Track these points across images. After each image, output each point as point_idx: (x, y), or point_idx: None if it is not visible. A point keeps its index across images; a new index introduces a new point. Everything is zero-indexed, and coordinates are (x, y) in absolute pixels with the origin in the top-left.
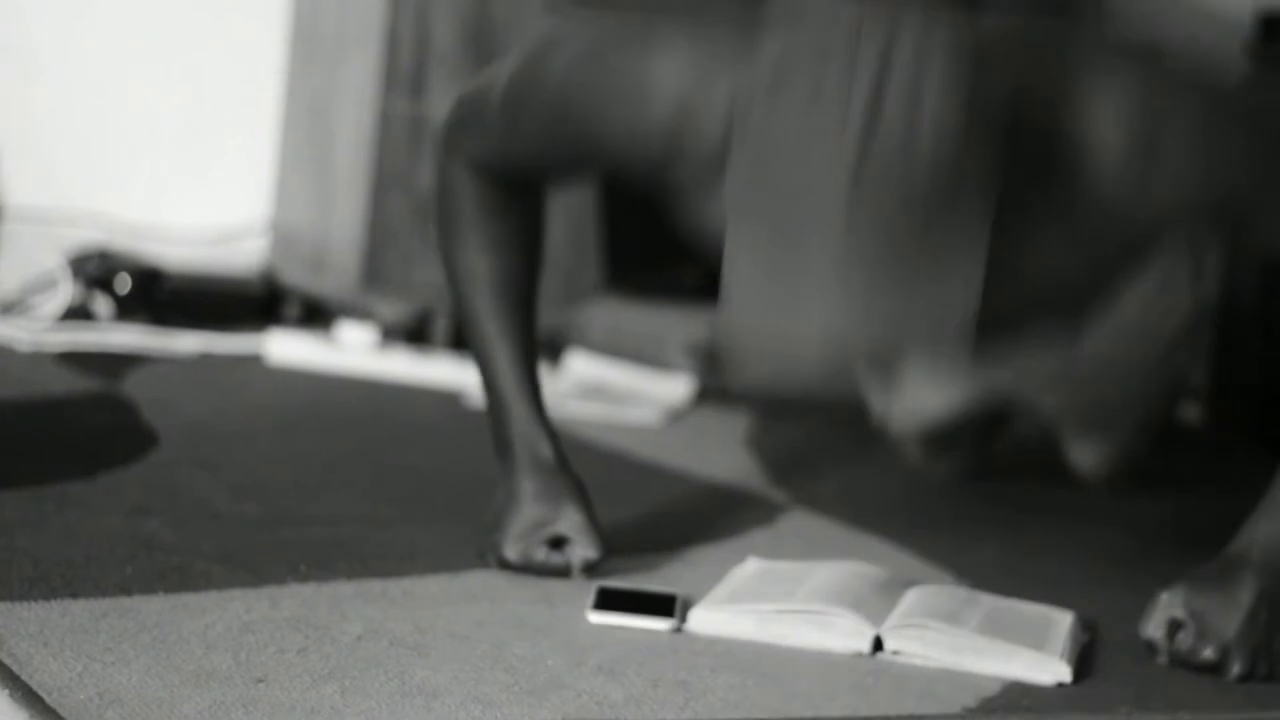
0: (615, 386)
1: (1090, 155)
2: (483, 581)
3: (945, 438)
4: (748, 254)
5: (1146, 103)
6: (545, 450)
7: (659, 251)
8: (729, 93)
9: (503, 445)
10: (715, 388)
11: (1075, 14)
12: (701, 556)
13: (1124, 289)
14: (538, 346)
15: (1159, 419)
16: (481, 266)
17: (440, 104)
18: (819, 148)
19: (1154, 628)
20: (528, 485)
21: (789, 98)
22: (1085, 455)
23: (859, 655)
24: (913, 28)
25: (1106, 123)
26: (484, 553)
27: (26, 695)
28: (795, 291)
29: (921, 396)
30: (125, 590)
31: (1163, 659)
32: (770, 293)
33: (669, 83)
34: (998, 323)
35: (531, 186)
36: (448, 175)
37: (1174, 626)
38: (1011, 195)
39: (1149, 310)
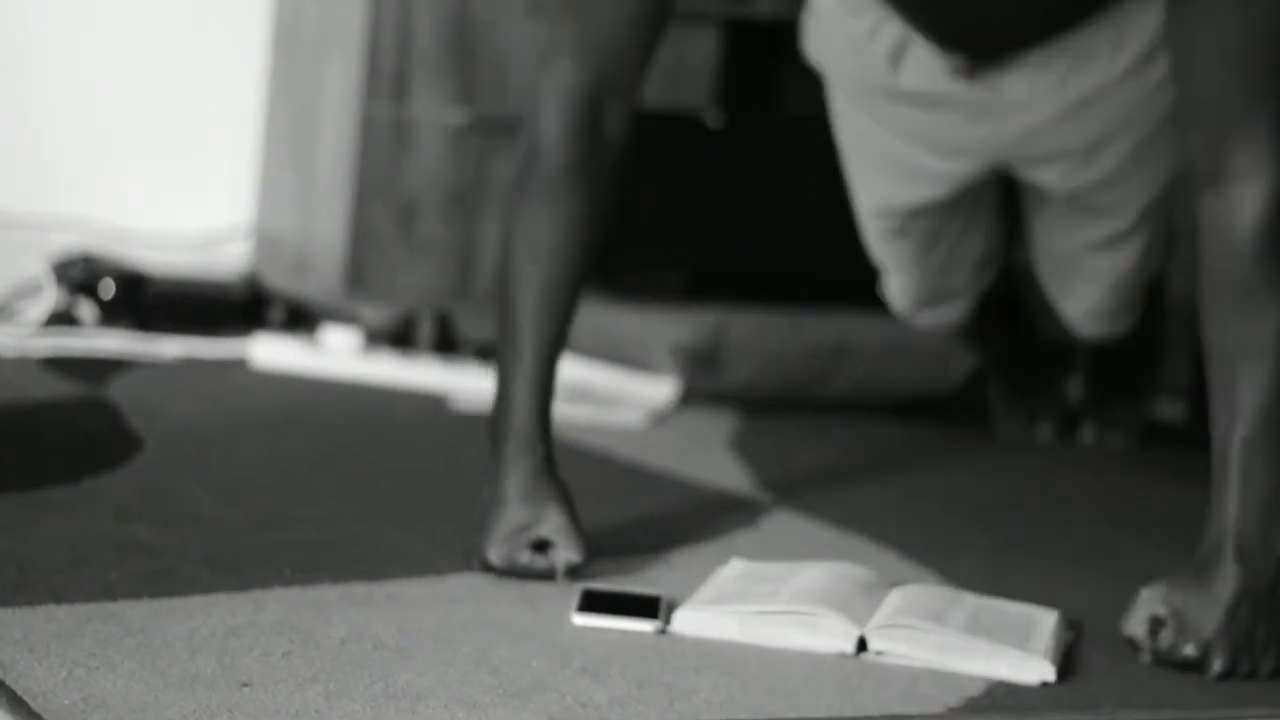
0: (600, 388)
1: None
2: (467, 584)
3: (941, 257)
4: None
5: None
6: (537, 453)
7: (643, 253)
8: None
9: (497, 436)
10: (700, 389)
11: None
12: (686, 558)
13: (1129, 15)
14: (563, 353)
15: (1155, 246)
16: (542, 247)
17: (423, 106)
18: None
19: (1135, 626)
20: (513, 487)
21: None
22: (1082, 309)
23: (843, 656)
24: None
25: None
26: (468, 556)
27: (11, 700)
28: None
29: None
30: (110, 595)
31: (1145, 657)
32: None
33: None
34: (1012, 11)
35: (616, 128)
36: (537, 124)
37: (1156, 624)
38: None
39: (1154, 48)
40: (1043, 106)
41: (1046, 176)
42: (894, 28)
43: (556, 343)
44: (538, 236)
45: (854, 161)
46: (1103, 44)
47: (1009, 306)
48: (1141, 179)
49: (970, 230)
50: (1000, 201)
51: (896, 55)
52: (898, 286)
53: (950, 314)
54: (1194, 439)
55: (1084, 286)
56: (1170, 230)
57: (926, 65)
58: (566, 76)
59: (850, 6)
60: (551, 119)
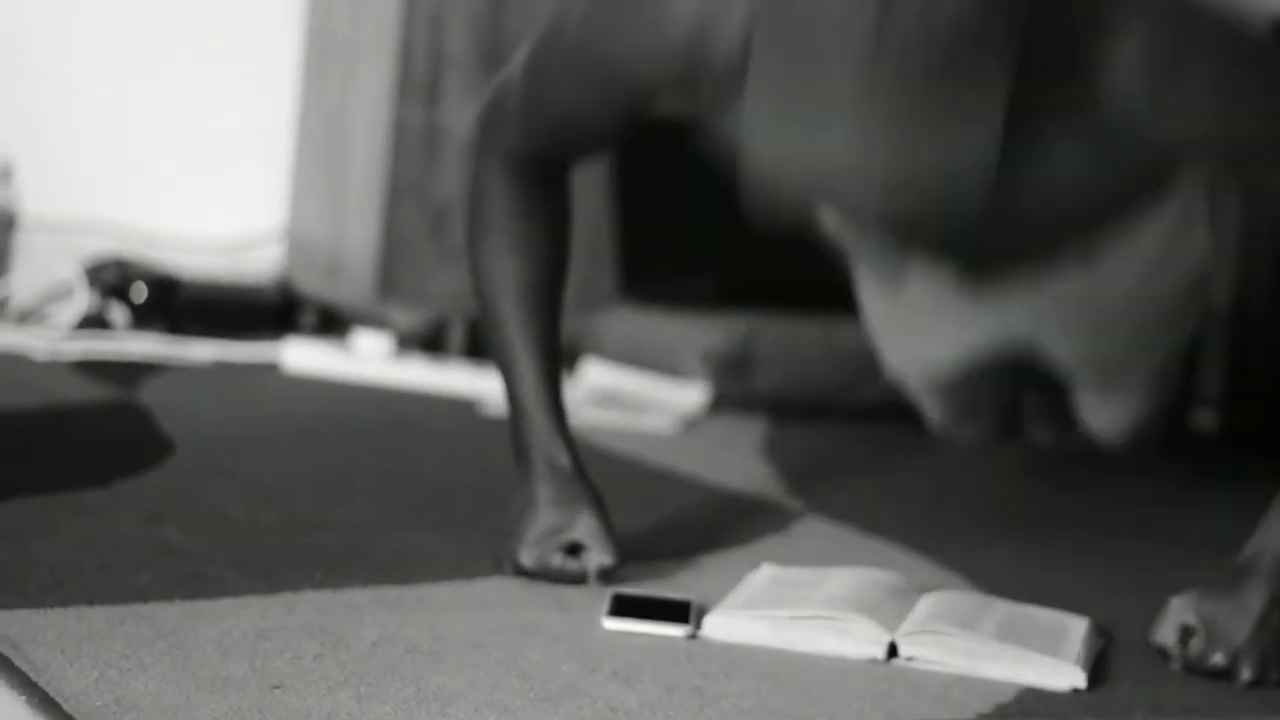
0: (630, 394)
1: (1111, 68)
2: (498, 588)
3: (964, 399)
4: (770, 90)
5: (1174, 30)
6: (563, 458)
7: (674, 259)
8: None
9: (521, 451)
10: (730, 396)
11: None
12: (716, 563)
13: (1139, 223)
14: (561, 352)
15: (1174, 380)
16: (509, 271)
17: (455, 113)
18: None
19: (1166, 634)
20: (544, 492)
21: None
22: (1102, 417)
23: (874, 661)
24: None
25: (1131, 39)
26: (500, 559)
27: (43, 702)
28: (816, 125)
29: (936, 342)
30: (141, 597)
31: (1175, 665)
32: (791, 127)
33: (683, 7)
34: (1014, 235)
35: (561, 175)
36: (479, 175)
37: (1186, 633)
38: (1029, 87)
39: (1165, 248)
40: (1047, 301)
41: (1058, 351)
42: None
43: (551, 353)
44: (505, 264)
45: (874, 327)
46: (1109, 253)
47: None
48: (1154, 351)
49: (992, 374)
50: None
51: (899, 268)
52: (927, 409)
53: (980, 430)
54: (1226, 447)
55: (1105, 412)
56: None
57: (927, 282)
58: (510, 142)
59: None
60: (494, 177)
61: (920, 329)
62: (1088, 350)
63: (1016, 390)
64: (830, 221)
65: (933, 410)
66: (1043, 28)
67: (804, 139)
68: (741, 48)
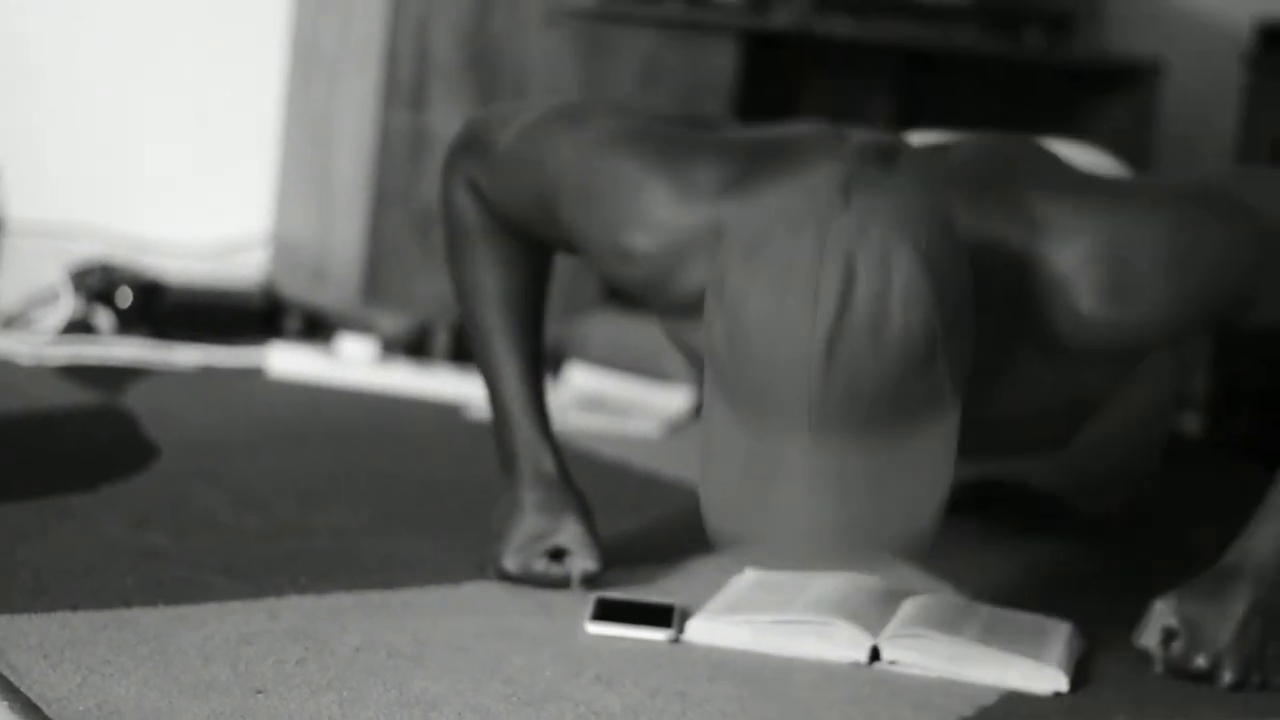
0: (615, 398)
1: (1062, 297)
2: (481, 593)
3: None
4: (722, 430)
5: (1112, 234)
6: (548, 463)
7: None
8: (709, 243)
9: (506, 456)
10: None
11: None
12: (700, 567)
13: (1110, 400)
14: (544, 358)
15: (1153, 463)
16: (489, 281)
17: (441, 118)
18: (791, 328)
19: (1149, 637)
20: (529, 497)
21: (761, 272)
22: (1087, 504)
23: (856, 665)
24: (882, 197)
25: (1074, 262)
26: (484, 564)
27: (26, 707)
28: (768, 478)
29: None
30: (125, 602)
31: (1158, 668)
32: (744, 477)
33: (653, 229)
34: (982, 450)
35: None
36: (451, 194)
37: (1168, 635)
38: (986, 353)
39: (1133, 404)
40: (1018, 466)
41: (1036, 480)
42: None
43: (534, 359)
44: (487, 273)
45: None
46: (1078, 428)
47: None
48: (1116, 458)
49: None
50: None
51: None
52: None
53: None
54: (1211, 451)
55: (1081, 501)
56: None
57: None
58: (476, 185)
59: None
60: (466, 198)
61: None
62: (1066, 480)
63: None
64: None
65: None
66: (990, 301)
67: (755, 494)
68: (700, 292)
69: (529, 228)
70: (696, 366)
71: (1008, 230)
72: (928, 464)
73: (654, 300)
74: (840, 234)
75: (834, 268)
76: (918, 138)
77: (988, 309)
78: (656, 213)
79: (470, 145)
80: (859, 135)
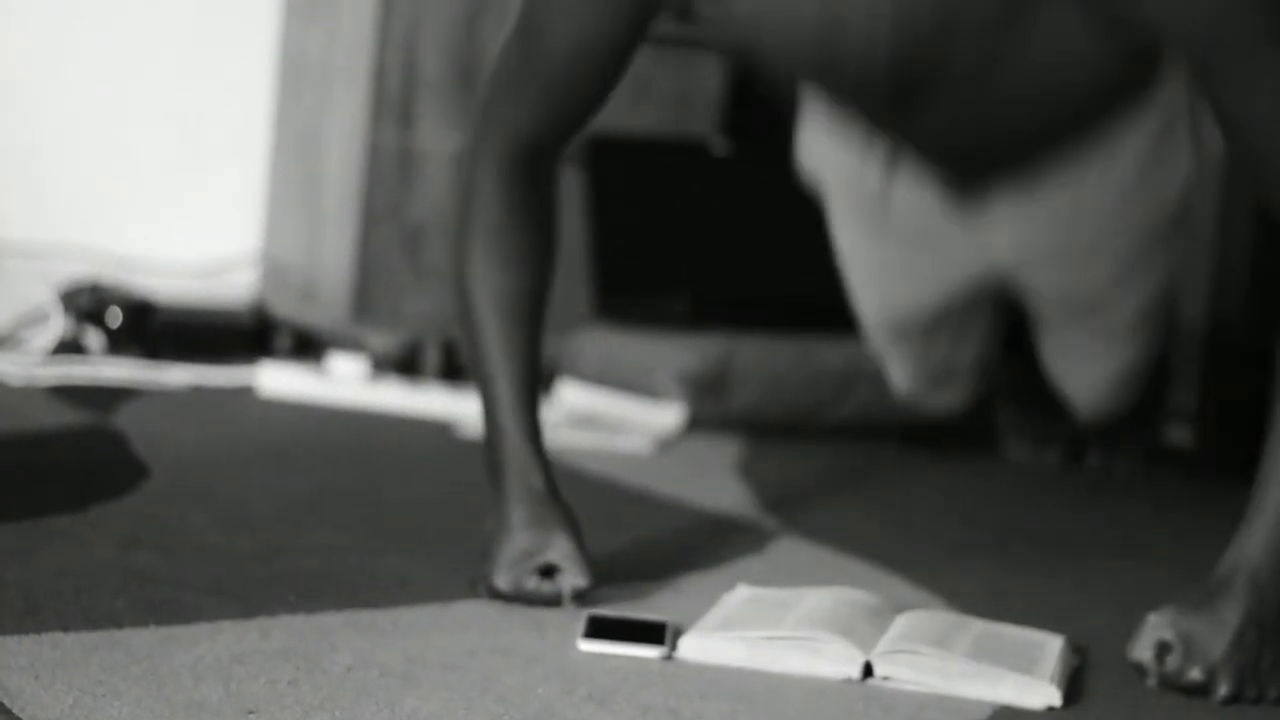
0: (606, 415)
1: None
2: (473, 611)
3: (939, 355)
4: None
5: None
6: (538, 479)
7: (649, 280)
8: None
9: (495, 470)
10: (706, 415)
11: None
12: (692, 584)
13: (1121, 130)
14: (540, 372)
15: (1155, 333)
16: (494, 283)
17: (430, 134)
18: None
19: (1142, 650)
20: (519, 514)
21: None
22: (1080, 378)
23: (849, 681)
24: None
25: None
26: (475, 582)
27: None
28: None
29: (915, 281)
30: (116, 623)
31: (1152, 681)
32: None
33: None
34: (1002, 120)
35: (552, 172)
36: (468, 181)
37: (1162, 648)
38: None
39: (1147, 162)
40: (1032, 220)
41: (1040, 281)
42: (881, 149)
43: (530, 371)
44: (489, 276)
45: (852, 271)
46: (1093, 161)
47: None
48: (1136, 284)
49: (970, 324)
50: (998, 297)
51: (886, 182)
52: (900, 373)
53: (954, 395)
54: (1201, 464)
55: (1083, 369)
56: (1171, 321)
57: (916, 196)
58: (510, 126)
59: (840, 123)
60: (489, 168)
61: (900, 263)
62: (1070, 278)
63: (992, 352)
64: (813, 151)
65: (904, 373)
66: None
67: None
68: None
69: (587, 62)
70: (735, 49)
71: None
72: None
73: None
74: None
75: None
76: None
77: None
78: None
79: (495, 84)
80: None
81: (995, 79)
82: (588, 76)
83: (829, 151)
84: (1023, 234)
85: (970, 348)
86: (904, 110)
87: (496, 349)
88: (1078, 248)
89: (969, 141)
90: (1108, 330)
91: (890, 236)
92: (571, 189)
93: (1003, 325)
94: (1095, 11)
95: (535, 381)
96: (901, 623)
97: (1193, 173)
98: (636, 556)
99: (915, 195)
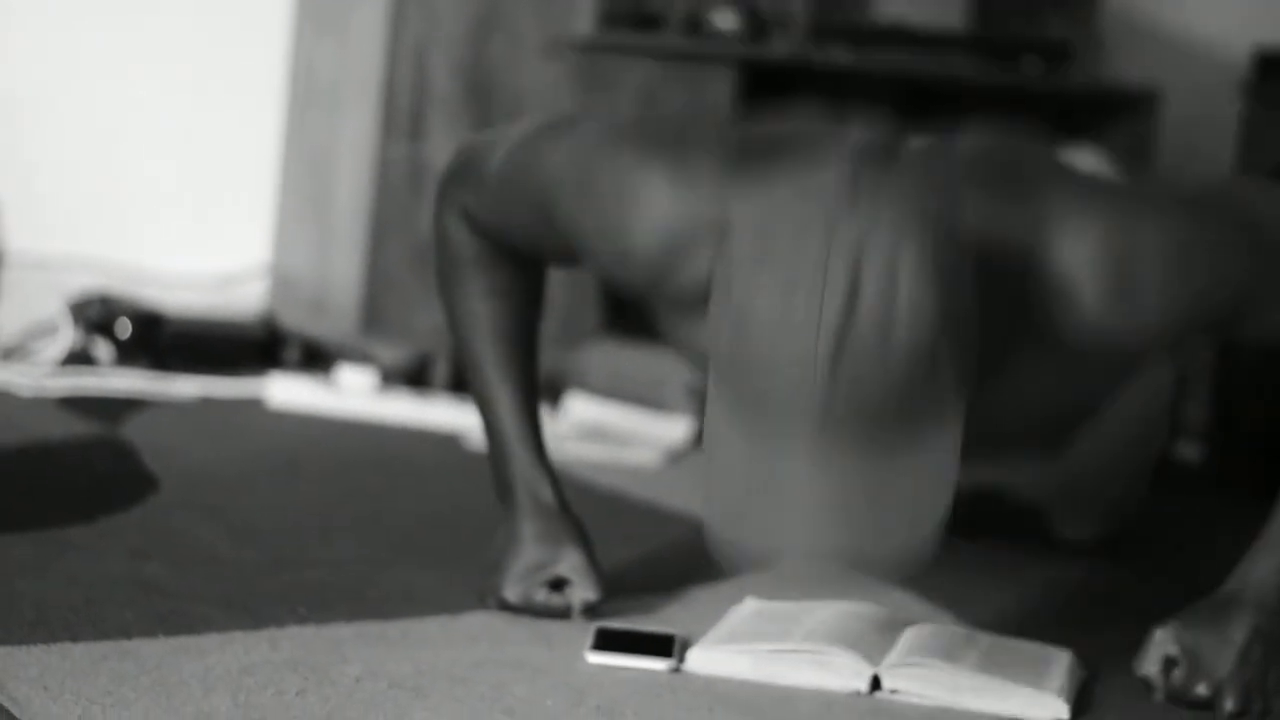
0: (614, 428)
1: (1066, 298)
2: (482, 623)
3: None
4: (726, 434)
5: (1116, 236)
6: (546, 493)
7: None
8: (711, 237)
9: (504, 488)
10: None
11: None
12: (700, 597)
13: (1108, 405)
14: (539, 387)
15: (1141, 489)
16: (482, 311)
17: (439, 148)
18: (797, 332)
19: (1149, 665)
20: (528, 527)
21: (767, 275)
22: (1071, 528)
23: (857, 694)
24: (886, 199)
25: (1078, 263)
26: (484, 594)
27: None
28: (771, 489)
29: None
30: (125, 633)
31: (1159, 696)
32: (747, 486)
33: (655, 221)
34: (980, 453)
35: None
36: (444, 224)
37: (1169, 663)
38: (990, 352)
39: (1130, 414)
40: (1015, 469)
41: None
42: None
43: (530, 391)
44: (480, 306)
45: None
46: (1077, 437)
47: None
48: (1123, 470)
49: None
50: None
51: None
52: None
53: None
54: (1211, 480)
55: (1072, 524)
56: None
57: None
58: (471, 212)
59: None
60: (459, 226)
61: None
62: (1058, 492)
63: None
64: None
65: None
66: (995, 301)
67: (758, 504)
68: (703, 284)
69: (527, 243)
70: (699, 368)
71: (1011, 229)
72: (932, 471)
73: (656, 300)
74: (847, 237)
75: (840, 271)
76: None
77: (991, 307)
78: (657, 205)
79: (461, 171)
80: (859, 131)
81: (975, 439)
82: (541, 257)
83: None
84: (1005, 469)
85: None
86: None
87: (494, 373)
88: (1063, 475)
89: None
90: (1102, 501)
91: None
92: None
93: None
94: (1067, 360)
95: (535, 397)
96: (909, 636)
97: (1168, 409)
98: (645, 569)
99: None
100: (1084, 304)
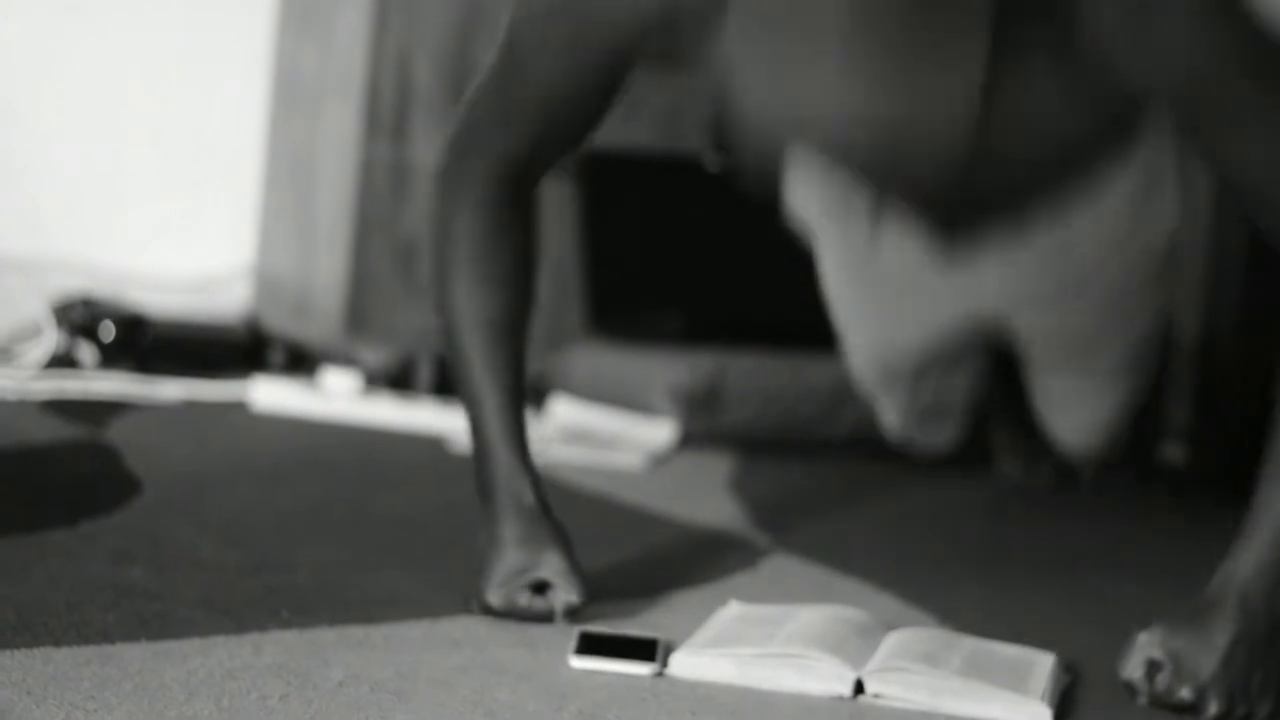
0: (598, 431)
1: (1085, 4)
2: (464, 627)
3: (929, 393)
4: (751, 29)
5: None
6: (528, 495)
7: (641, 295)
8: None
9: (486, 488)
10: (698, 432)
11: None
12: (683, 600)
13: (1107, 180)
14: (525, 389)
15: (1144, 376)
16: (474, 306)
17: (423, 149)
18: None
19: (1133, 668)
20: (510, 530)
21: None
22: (1070, 420)
23: (839, 699)
24: None
25: None
26: (467, 598)
27: None
28: (800, 66)
29: (904, 322)
30: (108, 638)
31: (1142, 700)
32: (775, 68)
33: None
34: (989, 179)
35: (530, 198)
36: (447, 203)
37: (1152, 667)
38: (1007, 25)
39: (1133, 210)
40: (1020, 267)
41: (1028, 324)
42: (867, 197)
43: (516, 390)
44: (473, 298)
45: (840, 315)
46: (1080, 209)
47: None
48: (1124, 327)
49: (959, 365)
50: (987, 340)
51: (873, 230)
52: (889, 414)
53: (944, 434)
54: (1194, 481)
55: (1071, 412)
56: (1163, 361)
57: (903, 244)
58: (495, 149)
59: (828, 172)
60: (463, 203)
61: (889, 308)
62: (1058, 322)
63: (981, 390)
64: (800, 194)
65: (894, 413)
66: None
67: (788, 81)
68: None
69: (554, 100)
70: (723, 93)
71: None
72: (958, 78)
73: (679, 25)
74: None
75: None
76: None
77: (1014, 3)
78: None
79: (464, 128)
80: None
81: (987, 139)
82: (569, 113)
83: (816, 199)
84: (1010, 280)
85: (960, 388)
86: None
87: (482, 369)
88: (1065, 293)
89: (957, 203)
90: (1096, 373)
91: (878, 282)
92: (564, 204)
93: (992, 365)
94: (1078, 75)
95: (521, 399)
96: (892, 640)
97: (1179, 216)
98: (628, 573)
99: (902, 243)
100: (1103, 13)
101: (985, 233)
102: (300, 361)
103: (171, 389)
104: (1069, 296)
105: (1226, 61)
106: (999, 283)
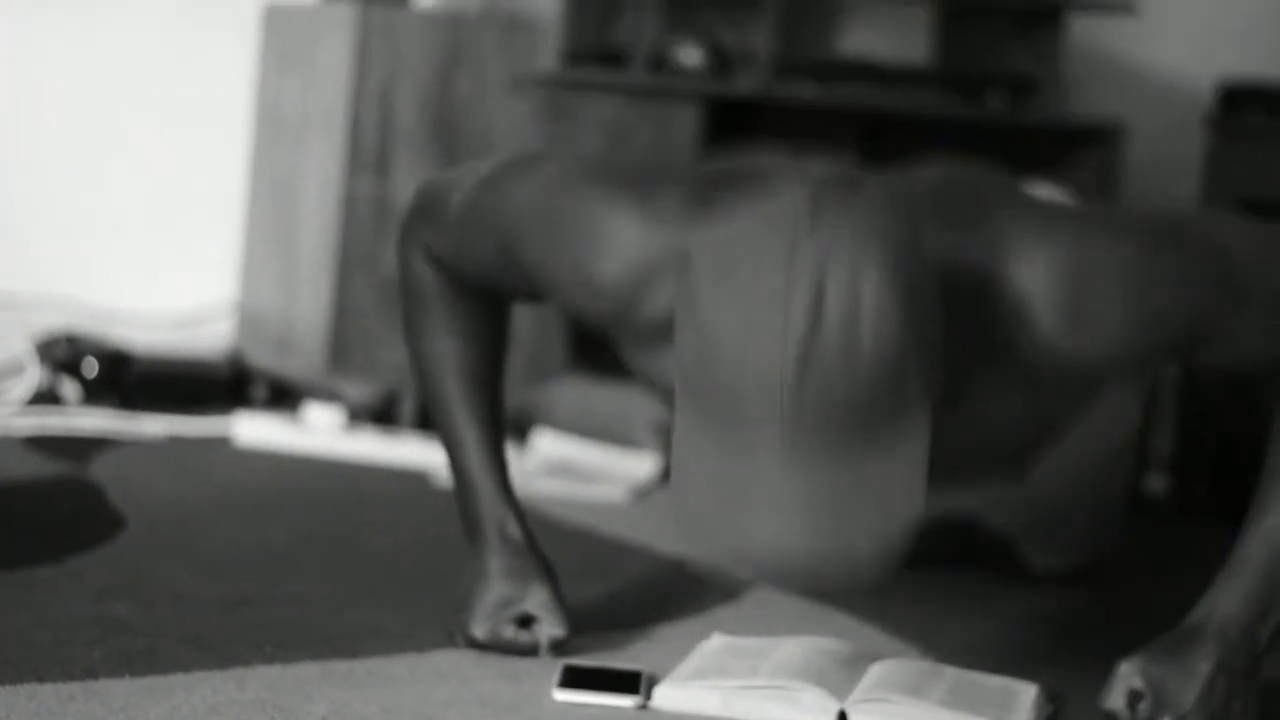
0: (582, 464)
1: (1023, 319)
2: (449, 661)
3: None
4: (694, 448)
5: (1072, 258)
6: (513, 529)
7: None
8: (677, 265)
9: (471, 525)
10: None
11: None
12: (667, 633)
13: (1070, 429)
14: (504, 425)
15: (1113, 519)
16: (446, 349)
17: (404, 184)
18: (762, 343)
19: (1114, 699)
20: (495, 564)
21: (732, 292)
22: (1040, 560)
23: None
24: (849, 218)
25: (1035, 285)
26: (452, 631)
27: None
28: (740, 496)
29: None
30: (92, 674)
31: None
32: (717, 494)
33: (620, 252)
34: (945, 477)
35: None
36: (408, 262)
37: (1134, 697)
38: (952, 372)
39: (1095, 438)
40: (981, 501)
41: (993, 524)
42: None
43: (496, 428)
44: (444, 344)
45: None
46: (1041, 460)
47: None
48: (1091, 505)
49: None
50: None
51: None
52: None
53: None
54: (1175, 511)
55: (1043, 557)
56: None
57: None
58: (433, 251)
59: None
60: (422, 265)
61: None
62: (1026, 520)
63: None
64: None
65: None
66: (957, 321)
67: (728, 512)
68: (669, 316)
69: (489, 281)
70: (666, 399)
71: (971, 252)
72: (898, 482)
73: (622, 332)
74: (809, 253)
75: (804, 286)
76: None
77: (951, 330)
78: (622, 238)
79: (423, 210)
80: (821, 165)
81: (940, 462)
82: (502, 294)
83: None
84: (972, 505)
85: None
86: None
87: (460, 411)
88: (1030, 506)
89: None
90: (1071, 534)
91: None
92: None
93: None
94: (1030, 390)
95: (501, 435)
96: (876, 671)
97: (1138, 423)
98: (612, 606)
99: None
100: (1041, 325)
101: (945, 492)
102: (283, 397)
103: (155, 425)
104: (1034, 506)
105: (1178, 305)
106: (963, 507)
